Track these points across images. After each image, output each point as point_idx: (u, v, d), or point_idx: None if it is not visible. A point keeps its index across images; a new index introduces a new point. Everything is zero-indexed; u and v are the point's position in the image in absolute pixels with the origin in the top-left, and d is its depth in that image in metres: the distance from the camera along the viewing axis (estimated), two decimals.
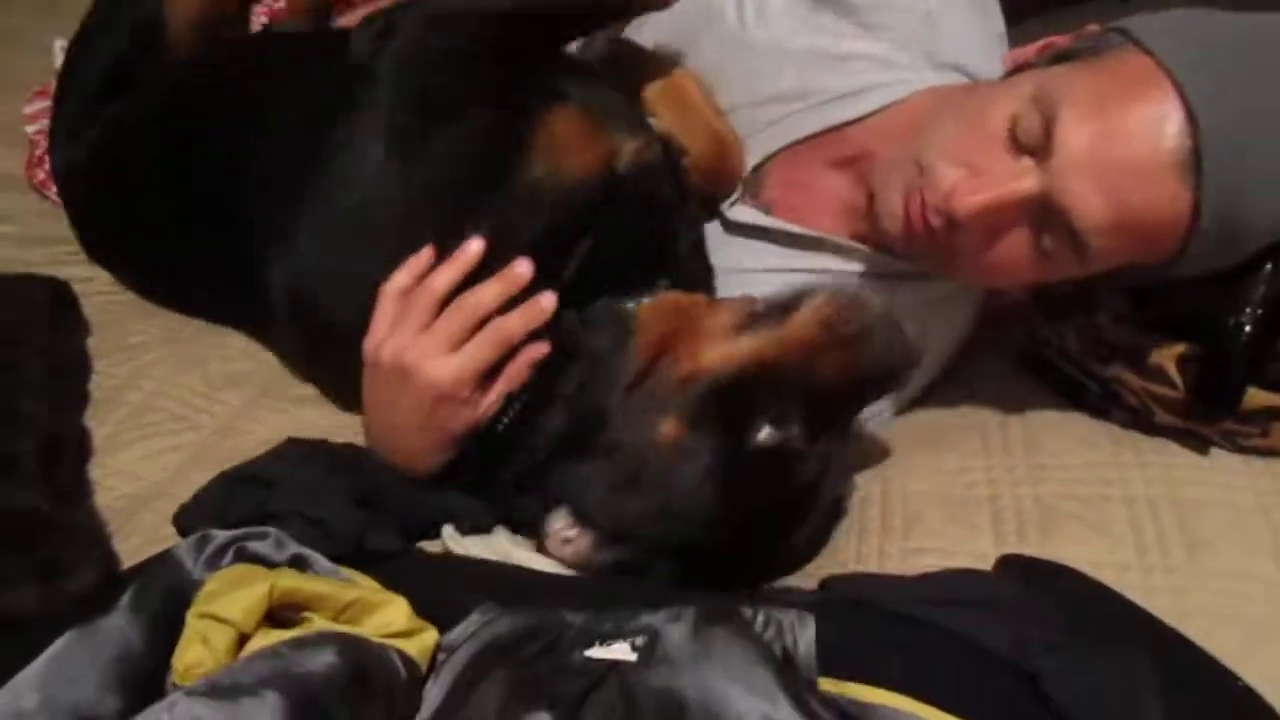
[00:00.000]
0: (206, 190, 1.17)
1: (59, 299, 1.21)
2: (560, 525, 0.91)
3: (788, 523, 0.92)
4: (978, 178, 0.91)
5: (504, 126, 1.01)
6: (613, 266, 1.01)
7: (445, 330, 0.93)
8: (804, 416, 0.89)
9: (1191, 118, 0.84)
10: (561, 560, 0.92)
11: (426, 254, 0.96)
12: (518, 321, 0.94)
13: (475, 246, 0.96)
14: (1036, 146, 0.89)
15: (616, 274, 1.01)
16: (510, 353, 0.95)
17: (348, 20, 1.42)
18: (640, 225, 1.05)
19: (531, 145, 1.00)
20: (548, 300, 0.95)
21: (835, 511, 0.98)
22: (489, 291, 0.94)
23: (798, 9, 1.16)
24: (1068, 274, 0.95)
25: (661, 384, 0.93)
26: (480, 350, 0.94)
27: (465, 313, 0.94)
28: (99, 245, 1.35)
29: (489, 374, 0.95)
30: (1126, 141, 0.86)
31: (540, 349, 0.96)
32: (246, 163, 1.13)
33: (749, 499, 0.89)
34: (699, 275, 1.12)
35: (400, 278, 0.96)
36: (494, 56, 1.03)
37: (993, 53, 1.13)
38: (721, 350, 0.92)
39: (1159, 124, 0.85)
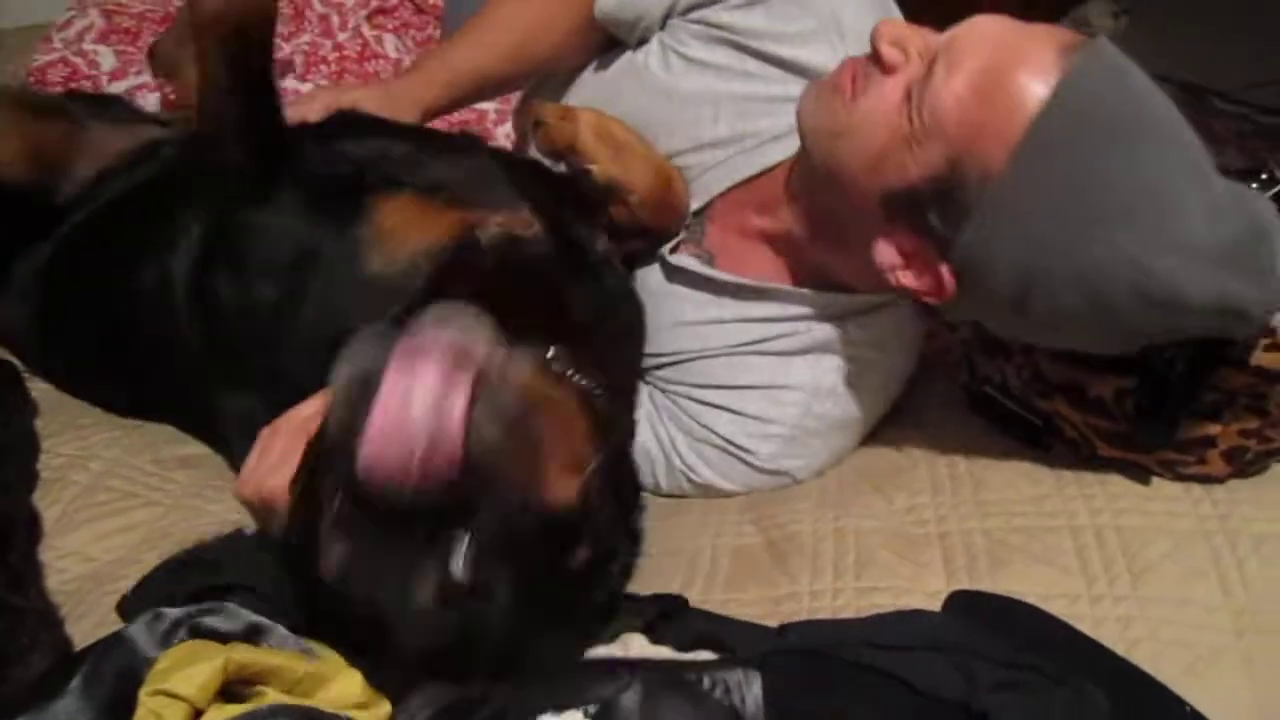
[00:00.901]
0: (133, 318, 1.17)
1: (4, 378, 1.20)
2: None
3: None
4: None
5: (335, 241, 1.00)
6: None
7: (296, 454, 0.88)
8: None
9: (1092, 44, 0.91)
10: None
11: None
12: None
13: None
14: None
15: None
16: None
17: None
18: (517, 290, 1.00)
19: (364, 242, 1.00)
20: None
21: None
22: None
23: (722, 56, 1.19)
24: (911, 142, 0.96)
25: None
26: None
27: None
28: (59, 380, 1.31)
29: None
30: (1030, 29, 0.95)
31: None
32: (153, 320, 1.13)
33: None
34: (607, 342, 1.09)
35: (277, 421, 0.94)
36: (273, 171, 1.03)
37: None
38: None
39: (1065, 33, 0.94)
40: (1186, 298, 0.89)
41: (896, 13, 1.18)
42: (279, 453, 0.90)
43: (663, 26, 1.25)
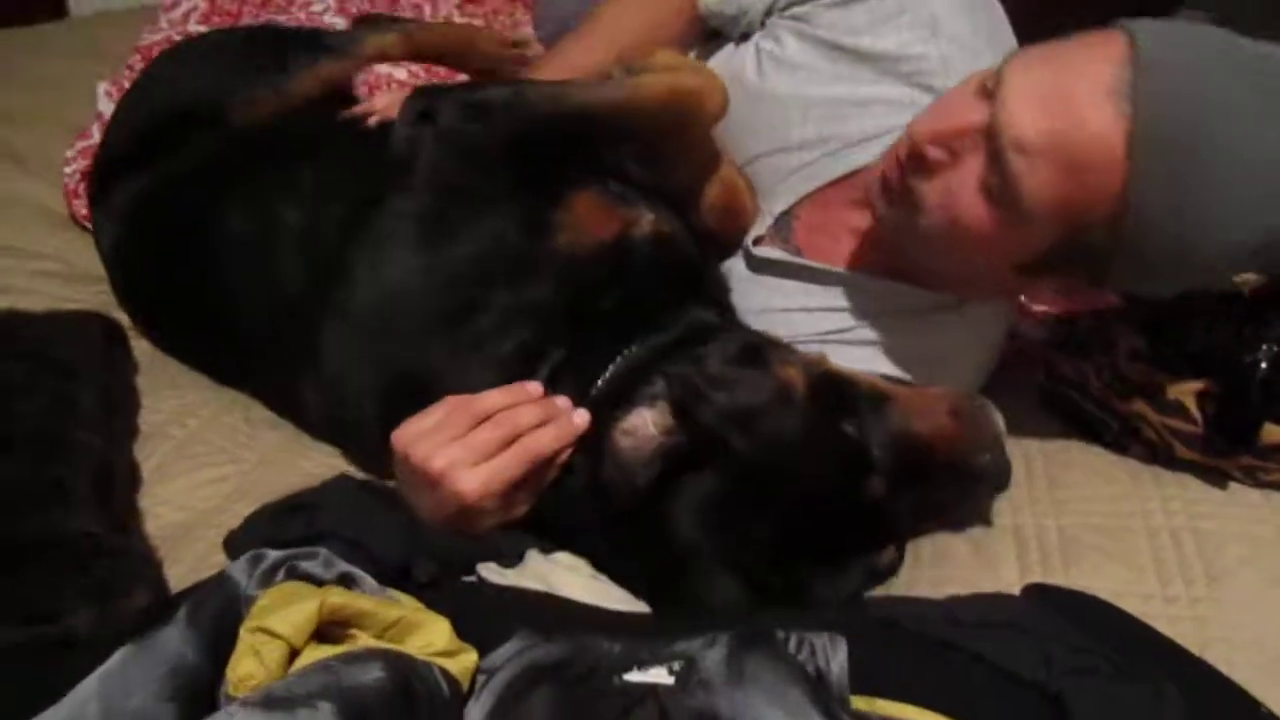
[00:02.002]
0: (233, 271, 1.20)
1: (111, 336, 1.25)
2: (646, 416, 0.94)
3: (831, 521, 0.92)
4: (937, 116, 1.01)
5: (527, 214, 1.07)
6: (644, 311, 1.06)
7: (479, 442, 0.94)
8: (890, 449, 0.93)
9: (1134, 53, 0.88)
10: (633, 446, 0.93)
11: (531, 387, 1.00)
12: (549, 438, 0.95)
13: (533, 387, 0.99)
14: (993, 87, 0.95)
15: (650, 318, 1.06)
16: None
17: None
18: (662, 279, 1.10)
19: (555, 223, 1.07)
20: (580, 418, 0.98)
21: (877, 571, 0.97)
22: (529, 413, 0.96)
23: (815, 59, 1.20)
24: (1008, 230, 0.96)
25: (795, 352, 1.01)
26: (509, 465, 0.94)
27: (503, 428, 0.94)
28: (134, 303, 1.37)
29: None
30: (1065, 69, 0.91)
31: (566, 452, 0.97)
32: (276, 252, 1.16)
33: (810, 455, 0.92)
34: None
35: (465, 395, 0.97)
36: (524, 153, 1.09)
37: None
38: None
39: (1102, 57, 0.90)
40: None
41: (993, 5, 1.19)
42: (456, 429, 0.94)
43: (763, 25, 1.27)
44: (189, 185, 1.30)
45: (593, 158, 1.14)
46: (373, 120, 1.26)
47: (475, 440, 0.94)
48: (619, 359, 1.02)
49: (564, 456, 0.98)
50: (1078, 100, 0.89)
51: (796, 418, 0.93)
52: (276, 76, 1.37)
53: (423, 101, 1.12)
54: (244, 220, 1.20)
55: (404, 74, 1.78)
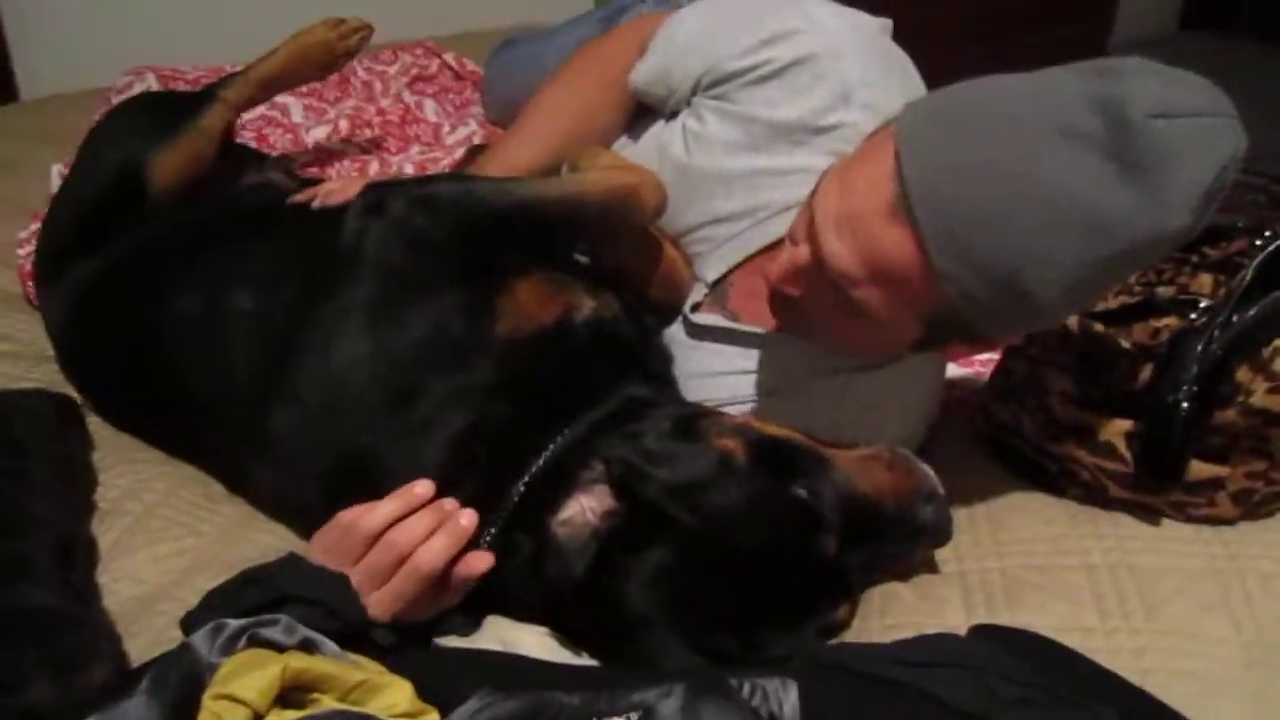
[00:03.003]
0: (185, 354, 1.22)
1: (66, 413, 1.26)
2: (583, 503, 0.95)
3: (786, 581, 0.95)
4: (785, 255, 1.07)
5: (470, 300, 1.10)
6: (583, 391, 1.09)
7: (370, 567, 0.94)
8: (838, 506, 0.97)
9: (899, 165, 0.93)
10: (570, 535, 0.95)
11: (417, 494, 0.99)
12: (440, 549, 0.94)
13: (421, 489, 0.98)
14: (809, 222, 1.01)
15: (587, 397, 1.09)
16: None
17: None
18: (601, 361, 1.14)
19: (497, 309, 1.10)
20: (468, 519, 0.96)
21: (830, 626, 1.00)
22: (418, 526, 0.95)
23: (734, 134, 1.25)
24: (881, 331, 1.01)
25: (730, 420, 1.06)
26: (404, 587, 0.94)
27: (392, 551, 0.94)
28: (85, 386, 1.39)
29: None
30: (855, 195, 0.96)
31: (482, 561, 0.96)
32: (227, 336, 1.18)
33: (759, 520, 0.95)
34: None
35: (357, 510, 0.97)
36: (471, 244, 1.13)
37: None
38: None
39: (879, 176, 0.95)
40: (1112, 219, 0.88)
41: (909, 73, 1.24)
42: (349, 556, 0.95)
43: (689, 104, 1.32)
44: (137, 268, 1.32)
45: (537, 244, 1.18)
46: (316, 204, 1.30)
47: (368, 565, 0.94)
48: (558, 440, 1.04)
49: (477, 565, 0.96)
50: (870, 226, 0.95)
51: (741, 485, 0.96)
52: (190, 119, 1.49)
53: (373, 195, 1.15)
54: (194, 303, 1.22)
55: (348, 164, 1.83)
